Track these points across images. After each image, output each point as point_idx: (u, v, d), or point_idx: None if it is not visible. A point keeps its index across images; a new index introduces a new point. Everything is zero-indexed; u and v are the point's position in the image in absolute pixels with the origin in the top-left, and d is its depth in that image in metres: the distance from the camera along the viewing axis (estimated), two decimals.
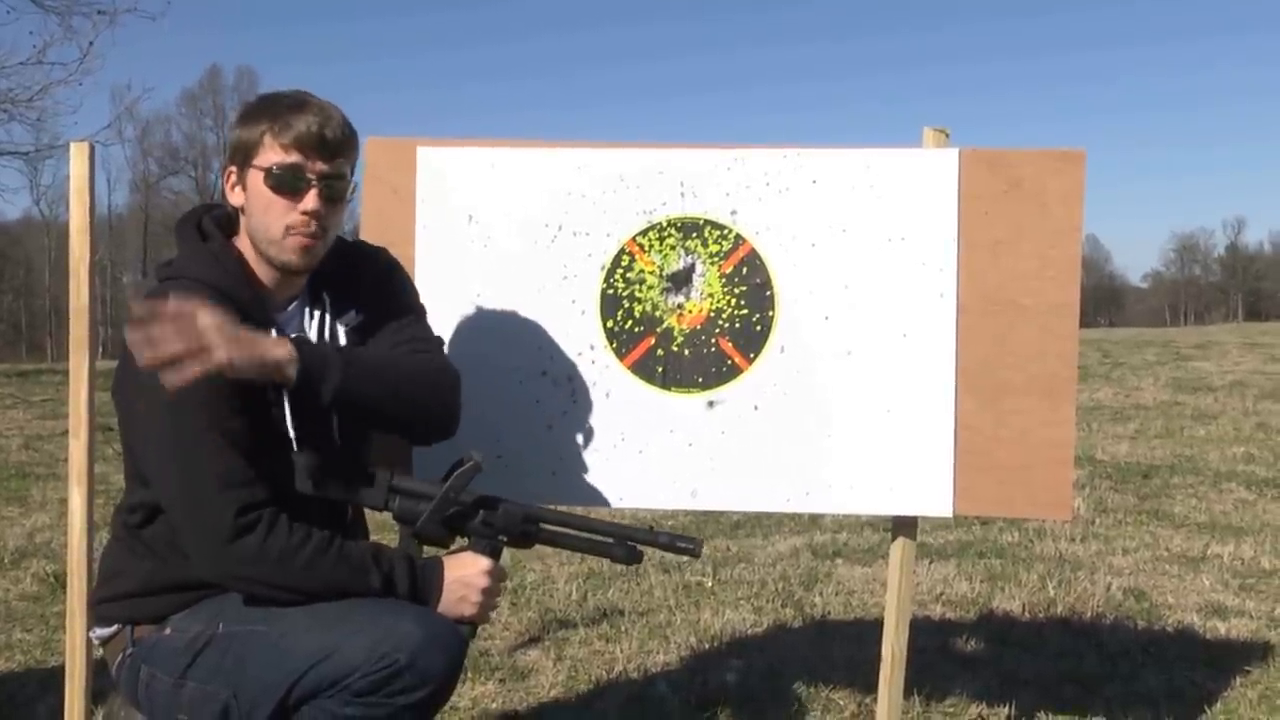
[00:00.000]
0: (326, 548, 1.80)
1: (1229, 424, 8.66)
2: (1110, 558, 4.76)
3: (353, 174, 1.95)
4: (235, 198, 1.92)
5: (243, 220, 1.93)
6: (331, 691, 1.75)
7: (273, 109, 1.88)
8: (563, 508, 2.03)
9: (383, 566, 1.83)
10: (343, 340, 2.01)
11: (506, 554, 1.96)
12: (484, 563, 1.91)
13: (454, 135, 2.44)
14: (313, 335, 1.96)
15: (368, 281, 2.05)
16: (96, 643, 2.01)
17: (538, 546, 2.00)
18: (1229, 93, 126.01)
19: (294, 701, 1.78)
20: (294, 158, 1.85)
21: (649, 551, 2.04)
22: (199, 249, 1.91)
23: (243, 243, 1.93)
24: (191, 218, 1.97)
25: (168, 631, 1.89)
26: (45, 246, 48.25)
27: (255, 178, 1.87)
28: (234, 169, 1.91)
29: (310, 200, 1.86)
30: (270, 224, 1.87)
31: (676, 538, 2.02)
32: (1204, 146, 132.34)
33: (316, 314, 1.99)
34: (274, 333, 1.87)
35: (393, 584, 1.83)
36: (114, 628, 1.95)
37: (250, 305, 1.86)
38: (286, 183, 1.85)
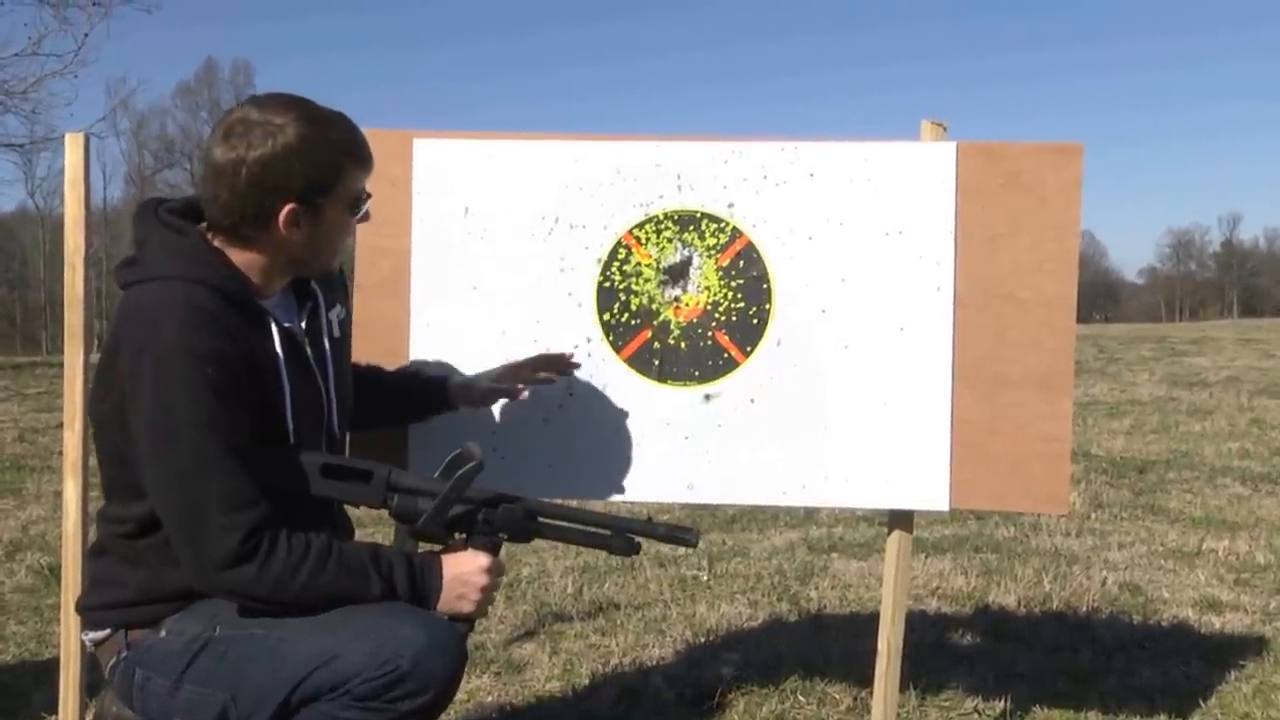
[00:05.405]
0: (324, 561, 1.74)
1: (1224, 419, 8.67)
2: (1106, 552, 4.76)
3: None
4: (292, 234, 1.80)
5: (274, 243, 1.81)
6: (332, 696, 1.73)
7: (340, 136, 1.81)
8: (558, 501, 2.03)
9: (382, 569, 1.79)
10: (336, 331, 2.00)
11: (503, 547, 1.95)
12: (483, 560, 1.88)
13: (451, 128, 2.42)
14: (304, 325, 1.95)
15: (341, 281, 2.12)
16: (89, 645, 1.96)
17: (534, 540, 1.99)
18: (1225, 88, 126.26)
19: (294, 705, 1.75)
20: (364, 179, 1.88)
21: (645, 545, 2.04)
22: (177, 243, 1.81)
23: (223, 240, 1.83)
24: (149, 209, 1.87)
25: (163, 634, 1.83)
26: (40, 240, 47.96)
27: (338, 210, 1.84)
28: (297, 206, 1.78)
29: (364, 210, 1.91)
30: (339, 247, 1.90)
31: (674, 528, 2.02)
32: (1200, 142, 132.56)
33: (308, 305, 1.97)
34: (271, 323, 1.85)
35: (393, 586, 1.80)
36: (106, 631, 1.90)
37: (244, 298, 1.82)
38: (361, 206, 1.89)
